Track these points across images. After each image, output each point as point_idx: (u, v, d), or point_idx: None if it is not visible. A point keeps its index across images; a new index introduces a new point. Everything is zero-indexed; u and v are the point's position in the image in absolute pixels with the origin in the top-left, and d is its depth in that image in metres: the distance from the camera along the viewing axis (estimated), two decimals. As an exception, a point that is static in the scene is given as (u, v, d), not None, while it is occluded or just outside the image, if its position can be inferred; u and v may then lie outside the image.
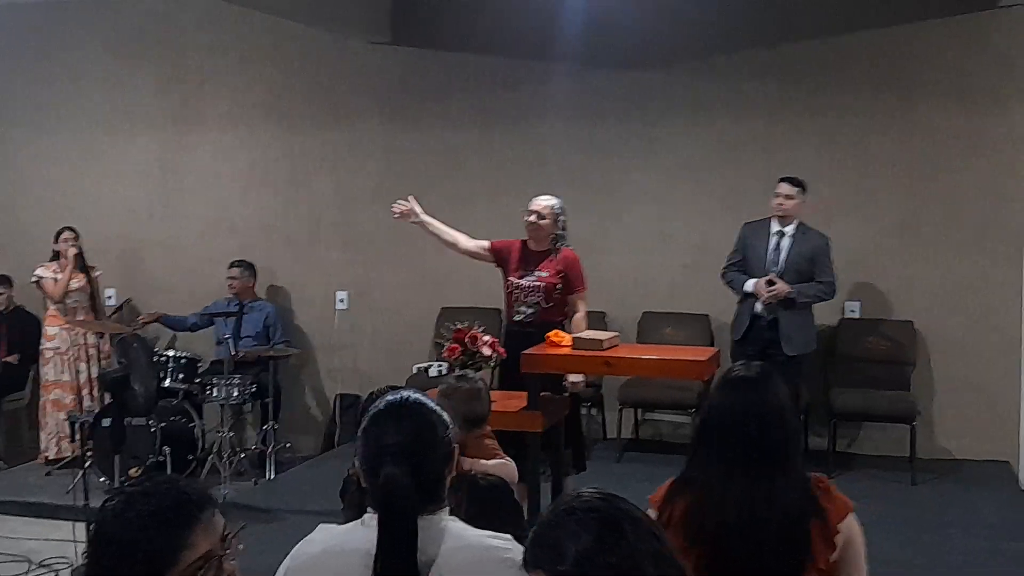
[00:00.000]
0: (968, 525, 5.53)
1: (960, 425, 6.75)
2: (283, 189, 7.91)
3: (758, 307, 6.08)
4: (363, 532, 1.96)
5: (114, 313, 7.46)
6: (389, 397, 2.08)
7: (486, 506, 2.61)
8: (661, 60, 7.12)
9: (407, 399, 2.06)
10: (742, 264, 6.22)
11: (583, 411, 7.04)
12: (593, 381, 6.68)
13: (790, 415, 2.47)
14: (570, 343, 4.74)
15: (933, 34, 6.68)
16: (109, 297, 7.98)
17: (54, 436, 7.16)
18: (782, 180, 6.18)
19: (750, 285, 6.07)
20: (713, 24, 6.99)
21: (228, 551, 1.82)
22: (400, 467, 1.92)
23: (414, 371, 6.65)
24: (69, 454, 7.09)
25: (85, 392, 7.21)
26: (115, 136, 8.16)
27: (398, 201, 5.64)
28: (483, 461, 3.35)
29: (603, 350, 4.55)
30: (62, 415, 7.10)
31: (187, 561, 1.74)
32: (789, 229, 6.15)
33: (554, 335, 4.83)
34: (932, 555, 5.08)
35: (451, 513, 2.05)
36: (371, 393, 2.27)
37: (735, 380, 2.53)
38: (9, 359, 7.47)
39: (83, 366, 7.22)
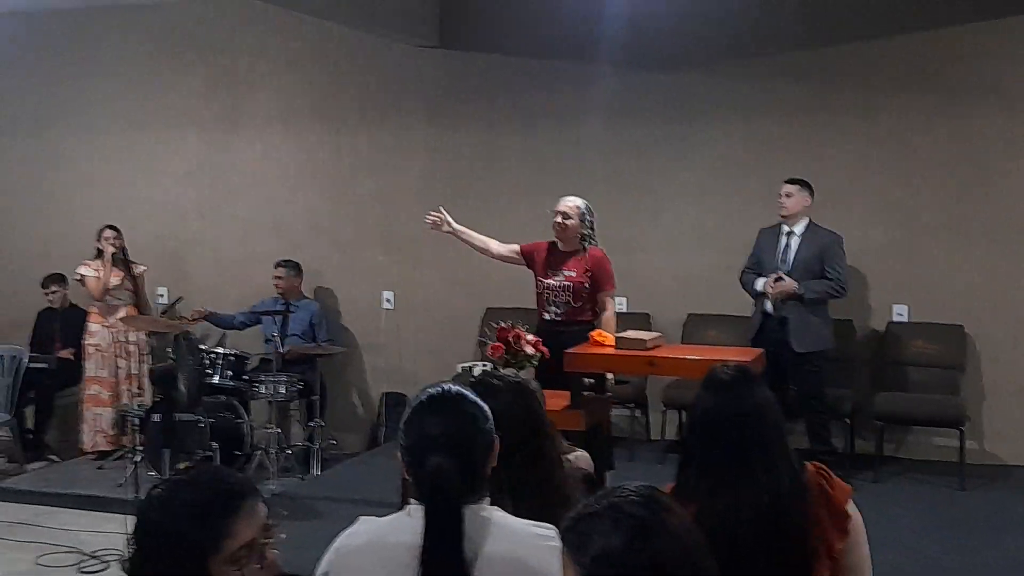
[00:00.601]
0: (1018, 531, 5.43)
1: (1011, 430, 6.64)
2: (329, 190, 7.99)
3: (768, 306, 6.15)
4: (407, 523, 1.98)
5: (166, 311, 7.57)
6: (430, 390, 2.10)
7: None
8: (701, 61, 7.09)
9: (449, 391, 2.08)
10: (757, 267, 6.30)
11: (626, 412, 7.08)
12: (634, 381, 6.68)
13: (770, 411, 2.48)
14: (613, 343, 4.74)
15: (975, 36, 6.59)
16: (161, 295, 8.12)
17: (91, 431, 7.30)
18: (786, 181, 6.26)
19: (760, 284, 6.17)
20: (753, 25, 6.96)
21: (270, 540, 1.84)
22: (445, 457, 1.94)
23: (458, 370, 6.68)
24: (105, 447, 7.24)
25: (124, 388, 7.33)
26: (164, 137, 8.30)
27: (429, 212, 5.78)
28: (568, 456, 3.35)
29: (647, 350, 4.55)
30: (99, 410, 7.26)
31: (230, 549, 1.77)
32: (798, 228, 6.20)
33: (597, 335, 4.85)
34: (981, 561, 5.00)
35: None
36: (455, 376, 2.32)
37: (712, 384, 2.55)
38: (64, 354, 7.62)
39: (123, 362, 7.35)
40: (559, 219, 5.46)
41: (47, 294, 7.83)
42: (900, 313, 6.85)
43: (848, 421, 6.56)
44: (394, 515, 2.08)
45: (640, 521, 1.57)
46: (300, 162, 8.04)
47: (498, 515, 2.03)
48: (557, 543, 2.00)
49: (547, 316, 5.46)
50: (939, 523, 5.53)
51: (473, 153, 7.64)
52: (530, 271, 5.71)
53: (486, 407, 2.10)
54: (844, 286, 6.16)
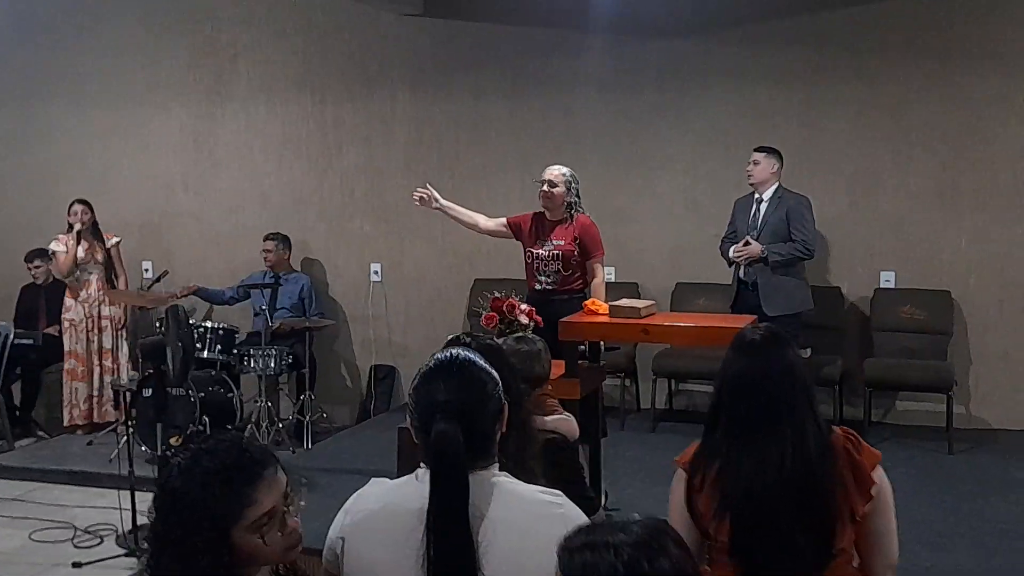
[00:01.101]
0: (1006, 493, 5.50)
1: (997, 394, 6.71)
2: (315, 161, 7.94)
3: (741, 273, 6.22)
4: (416, 487, 2.00)
5: (151, 285, 7.53)
6: (438, 355, 2.10)
7: (545, 462, 2.64)
8: (694, 28, 7.06)
9: (457, 357, 2.08)
10: (734, 236, 6.34)
11: (616, 381, 7.10)
12: (624, 349, 6.72)
13: (799, 373, 2.50)
14: (606, 311, 4.75)
15: (971, 2, 6.58)
16: (147, 270, 8.06)
17: (68, 405, 7.29)
18: (755, 149, 6.29)
19: (732, 251, 6.22)
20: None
21: (291, 507, 1.87)
22: (451, 423, 1.95)
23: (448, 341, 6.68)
24: (80, 421, 7.23)
25: (96, 363, 7.32)
26: (149, 109, 8.22)
27: (416, 189, 5.80)
28: (543, 418, 3.38)
29: (641, 318, 4.55)
30: (76, 384, 7.25)
31: (252, 517, 1.79)
32: (767, 195, 6.24)
33: (591, 303, 4.85)
34: (971, 523, 5.06)
35: (512, 471, 2.08)
36: (449, 340, 2.30)
37: (741, 345, 2.56)
38: (50, 330, 7.57)
39: (95, 336, 7.33)
40: (545, 187, 5.47)
41: (31, 269, 7.77)
42: (887, 279, 6.88)
43: (836, 387, 6.60)
44: (404, 478, 2.09)
45: (633, 564, 1.50)
46: (285, 133, 7.98)
47: (505, 481, 2.04)
48: (565, 509, 2.01)
49: (538, 286, 5.49)
50: (928, 487, 5.58)
51: (460, 123, 7.59)
52: (518, 243, 5.72)
53: (495, 373, 2.10)
54: (810, 247, 6.16)
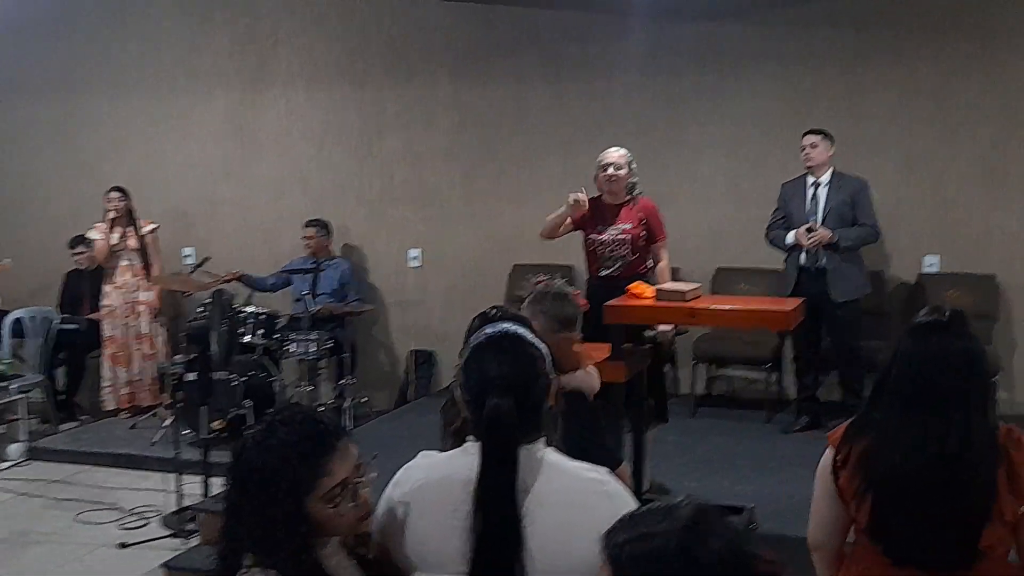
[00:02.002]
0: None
1: (1044, 380, 6.62)
2: (356, 147, 7.96)
3: (803, 258, 6.11)
4: (464, 459, 2.01)
5: (193, 270, 7.59)
6: (488, 330, 2.10)
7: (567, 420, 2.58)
8: (734, 11, 7.00)
9: (507, 332, 2.08)
10: (784, 222, 6.25)
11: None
12: (681, 329, 6.63)
13: (980, 361, 2.39)
14: (652, 294, 4.72)
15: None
16: (187, 256, 8.13)
17: (111, 389, 7.38)
18: (808, 132, 6.19)
19: (791, 237, 6.12)
20: (789, -27, 6.87)
21: (362, 479, 1.90)
22: (504, 398, 1.96)
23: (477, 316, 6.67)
24: (123, 405, 7.33)
25: (135, 347, 7.42)
26: (190, 97, 8.27)
27: (574, 193, 5.38)
28: (564, 378, 3.31)
29: (686, 301, 4.52)
30: (115, 368, 7.32)
31: (326, 488, 1.83)
32: (824, 178, 6.16)
33: (635, 287, 4.81)
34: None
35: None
36: (475, 318, 2.28)
37: (927, 325, 2.43)
38: (94, 316, 7.67)
39: (132, 321, 7.43)
40: (610, 171, 5.28)
41: (74, 255, 7.86)
42: (931, 263, 6.80)
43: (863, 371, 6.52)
44: (452, 451, 2.11)
45: (687, 547, 1.47)
46: (326, 120, 8.00)
47: (552, 456, 2.05)
48: (610, 487, 2.01)
49: (603, 271, 5.32)
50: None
51: (501, 108, 7.58)
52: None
53: (544, 348, 2.11)
54: (878, 231, 6.15)
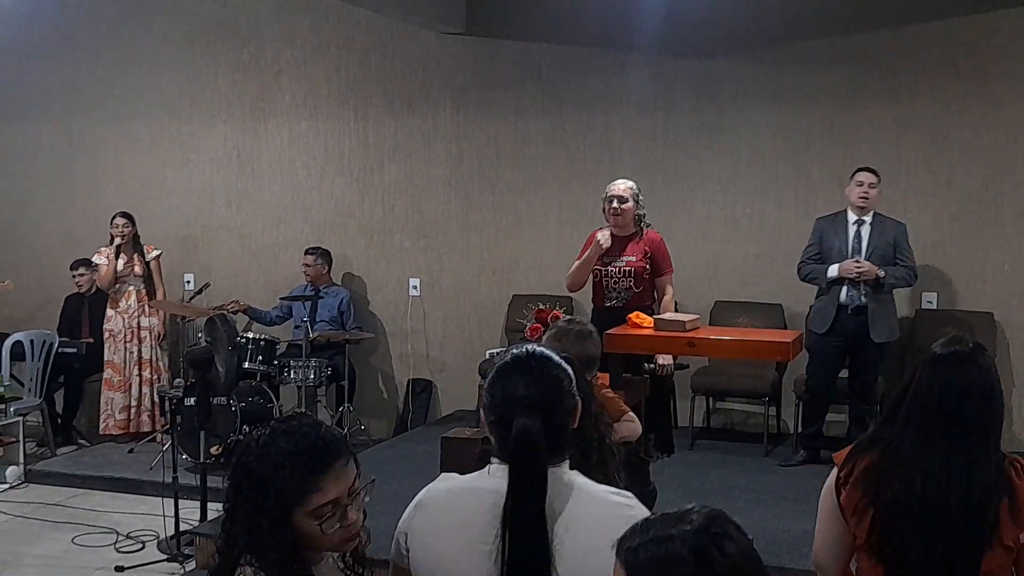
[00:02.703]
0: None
1: (1039, 417, 6.66)
2: (356, 177, 8.02)
3: (843, 296, 6.04)
4: (489, 481, 2.01)
5: (193, 296, 7.62)
6: (514, 351, 2.11)
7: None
8: (732, 48, 7.09)
9: (533, 352, 2.09)
10: (819, 258, 6.20)
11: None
12: (681, 363, 6.65)
13: (997, 393, 2.43)
14: (651, 324, 4.76)
15: (1008, 21, 6.57)
16: (188, 281, 8.16)
17: (105, 414, 7.40)
18: (863, 170, 6.16)
19: (834, 270, 6.04)
20: (786, 11, 6.96)
21: (354, 501, 1.89)
22: (532, 418, 1.96)
23: (487, 356, 6.71)
24: (116, 431, 7.31)
25: (135, 373, 7.42)
26: (192, 124, 8.33)
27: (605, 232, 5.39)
28: (616, 427, 3.35)
29: (686, 331, 4.57)
30: (112, 394, 7.38)
31: (315, 504, 1.83)
32: (867, 218, 6.15)
33: (635, 316, 4.86)
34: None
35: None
36: (490, 355, 2.35)
37: (951, 355, 2.46)
38: (86, 340, 7.67)
39: (134, 347, 7.43)
40: (615, 204, 5.29)
41: (74, 276, 7.86)
42: (929, 301, 6.86)
43: (878, 408, 6.55)
44: (475, 473, 2.09)
45: (701, 550, 1.49)
46: (327, 149, 8.07)
47: (579, 479, 2.05)
48: (636, 511, 2.01)
49: (607, 303, 5.33)
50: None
51: (501, 141, 7.66)
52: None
53: (570, 369, 2.11)
54: (916, 273, 6.16)
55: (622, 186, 5.36)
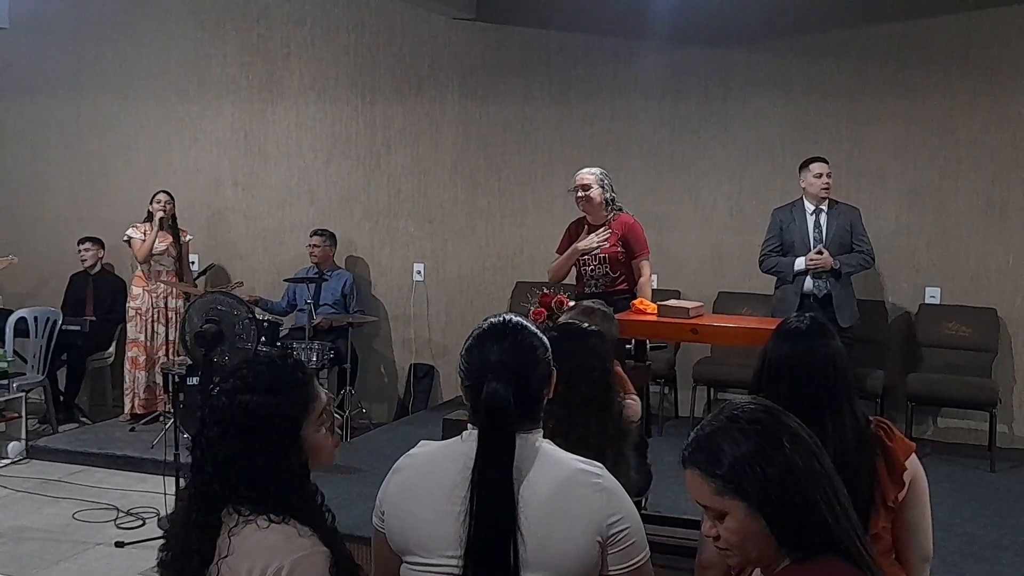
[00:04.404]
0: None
1: (1041, 414, 6.65)
2: (363, 161, 8.02)
3: (808, 286, 6.09)
4: (461, 446, 2.05)
5: (198, 277, 7.63)
6: (492, 319, 2.13)
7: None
8: (741, 38, 7.08)
9: (510, 321, 2.11)
10: (780, 250, 6.24)
11: (655, 388, 7.10)
12: (664, 357, 6.70)
13: (841, 363, 2.54)
14: (655, 311, 4.76)
15: (1018, 17, 6.55)
16: (193, 262, 8.17)
17: (130, 393, 7.38)
18: (818, 160, 6.17)
19: (800, 263, 6.07)
20: (797, 2, 6.95)
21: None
22: (502, 383, 1.99)
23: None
24: (140, 410, 7.31)
25: (160, 353, 7.41)
26: (200, 104, 8.34)
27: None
28: (625, 401, 3.43)
29: (689, 318, 4.56)
30: (136, 373, 7.34)
31: (317, 410, 1.98)
32: (824, 206, 6.18)
33: (639, 303, 4.86)
34: (1015, 536, 5.01)
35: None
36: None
37: (787, 332, 2.61)
38: (89, 318, 7.68)
39: (160, 328, 7.42)
40: (580, 193, 5.42)
41: (80, 251, 7.87)
42: (932, 295, 6.85)
43: (878, 401, 6.56)
44: (449, 440, 2.13)
45: (764, 427, 1.66)
46: (334, 132, 8.07)
47: (547, 446, 2.07)
48: (604, 481, 2.03)
49: (587, 290, 5.45)
50: (970, 501, 5.54)
51: (507, 127, 7.65)
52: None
53: (545, 338, 2.13)
54: (873, 256, 6.19)
55: (585, 174, 5.44)
